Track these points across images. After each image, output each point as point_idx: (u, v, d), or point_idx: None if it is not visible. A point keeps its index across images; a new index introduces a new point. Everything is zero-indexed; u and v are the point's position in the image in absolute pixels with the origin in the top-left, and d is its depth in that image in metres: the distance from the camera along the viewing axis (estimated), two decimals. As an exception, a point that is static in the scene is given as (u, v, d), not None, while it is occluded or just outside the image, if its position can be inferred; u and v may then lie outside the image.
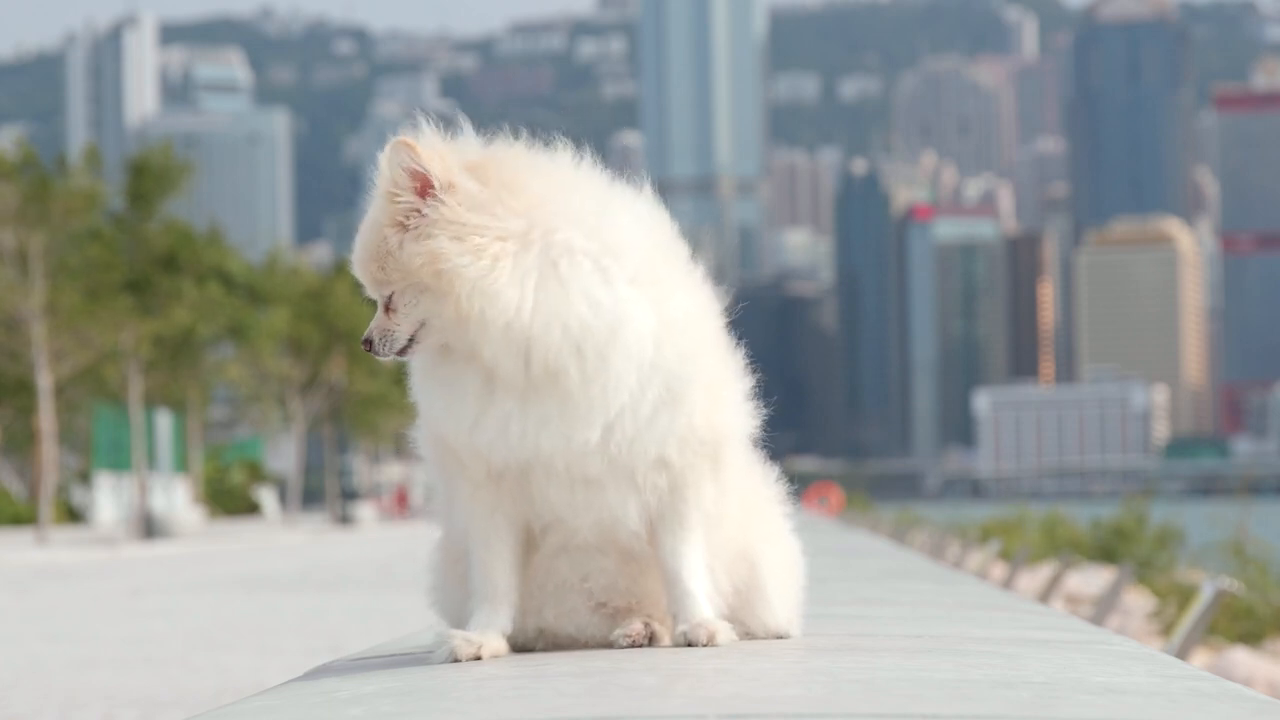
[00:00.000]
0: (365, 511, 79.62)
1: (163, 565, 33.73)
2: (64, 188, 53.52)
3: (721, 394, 4.04)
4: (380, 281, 3.91)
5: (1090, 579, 22.26)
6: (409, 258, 3.84)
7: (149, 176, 61.26)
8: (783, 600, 4.27)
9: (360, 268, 3.96)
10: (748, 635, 4.20)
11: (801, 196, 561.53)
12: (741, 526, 4.18)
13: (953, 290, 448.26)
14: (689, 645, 3.99)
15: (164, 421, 68.92)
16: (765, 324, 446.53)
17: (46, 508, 51.39)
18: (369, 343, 3.94)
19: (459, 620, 4.13)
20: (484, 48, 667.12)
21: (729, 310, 4.13)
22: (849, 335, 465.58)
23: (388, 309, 3.91)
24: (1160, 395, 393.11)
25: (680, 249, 4.03)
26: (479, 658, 3.97)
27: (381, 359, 3.96)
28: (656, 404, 3.91)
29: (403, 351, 3.94)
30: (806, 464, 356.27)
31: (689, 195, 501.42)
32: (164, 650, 14.42)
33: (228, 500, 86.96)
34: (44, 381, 52.52)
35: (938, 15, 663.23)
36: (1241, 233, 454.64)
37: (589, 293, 3.83)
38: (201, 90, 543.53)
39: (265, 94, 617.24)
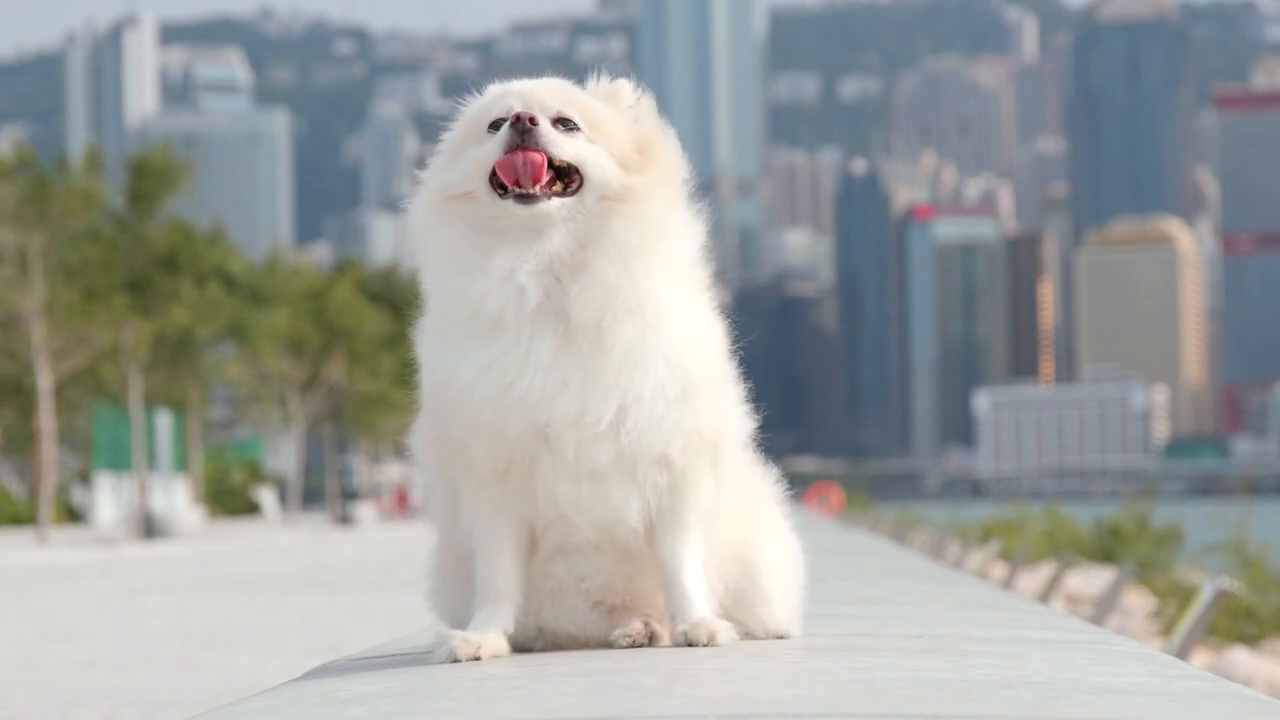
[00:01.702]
0: (365, 511, 79.59)
1: (163, 565, 33.73)
2: (64, 188, 53.49)
3: (723, 399, 4.10)
4: (578, 111, 3.95)
5: (1090, 579, 22.24)
6: (651, 125, 4.02)
7: (149, 176, 61.25)
8: (781, 598, 4.27)
9: (566, 92, 3.99)
10: (747, 634, 4.20)
11: (801, 196, 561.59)
12: (737, 524, 4.19)
13: (953, 290, 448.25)
14: (689, 645, 4.00)
15: (164, 421, 68.90)
16: (765, 324, 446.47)
17: (46, 508, 51.37)
18: (529, 119, 3.89)
19: (460, 623, 4.13)
20: (484, 48, 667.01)
21: (727, 313, 4.20)
22: (849, 335, 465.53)
23: (554, 125, 3.94)
24: (1160, 395, 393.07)
25: (702, 265, 4.14)
26: (478, 658, 3.97)
27: (525, 137, 3.88)
28: (671, 401, 3.95)
29: (554, 179, 3.90)
30: (806, 464, 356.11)
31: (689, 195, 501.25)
32: (164, 650, 14.42)
33: (228, 500, 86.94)
34: (44, 381, 52.51)
35: (938, 15, 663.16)
36: (1241, 233, 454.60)
37: (662, 280, 3.95)
38: (201, 90, 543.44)
39: (265, 94, 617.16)
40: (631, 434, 3.93)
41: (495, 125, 3.94)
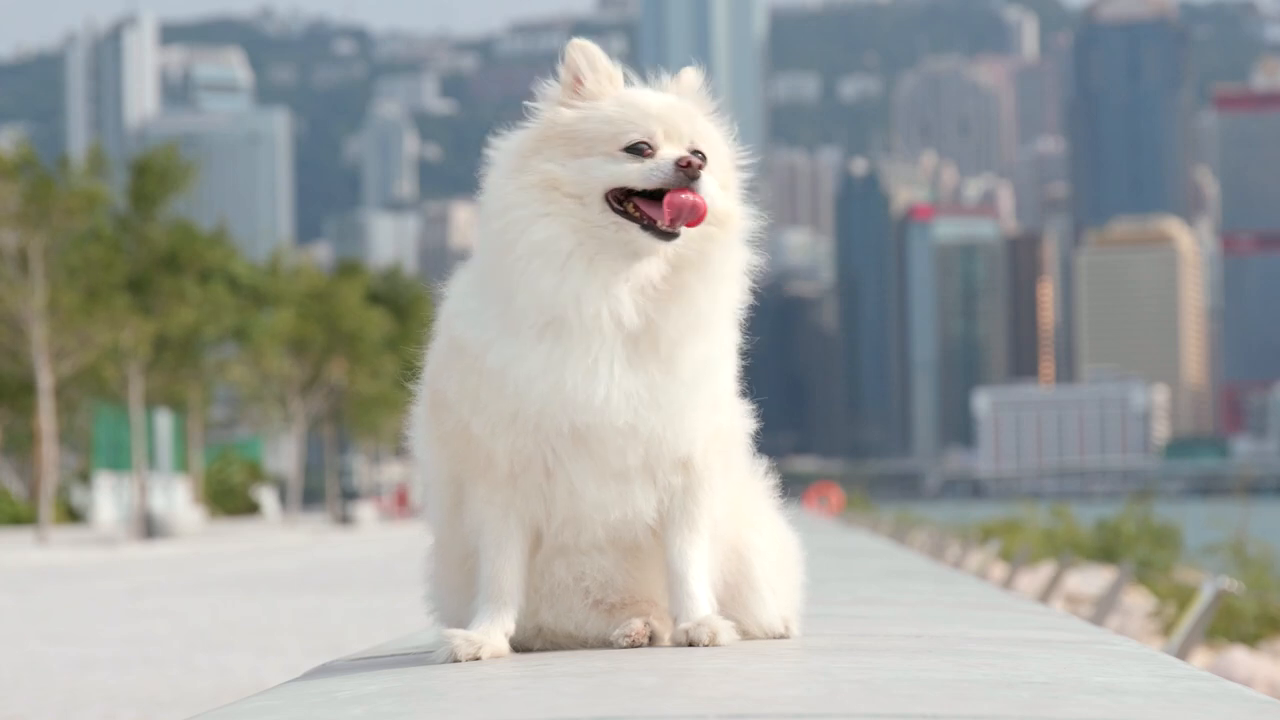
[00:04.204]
0: (365, 511, 79.52)
1: (163, 565, 33.72)
2: (66, 189, 53.42)
3: (735, 401, 4.16)
4: (704, 141, 4.01)
5: (1090, 579, 22.24)
6: (729, 142, 4.10)
7: (152, 177, 61.22)
8: (774, 593, 4.28)
9: (695, 120, 4.02)
10: (744, 632, 4.20)
11: (801, 196, 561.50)
12: (730, 518, 4.20)
13: (953, 290, 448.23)
14: (691, 644, 4.00)
15: (164, 421, 68.87)
16: (765, 324, 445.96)
17: (46, 508, 51.32)
18: (700, 167, 3.91)
19: (462, 625, 4.13)
20: (484, 48, 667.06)
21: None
22: (849, 335, 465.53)
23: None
24: (1160, 395, 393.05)
25: None
26: (478, 658, 3.97)
27: (691, 187, 3.89)
28: (708, 410, 4.02)
29: (703, 219, 3.92)
30: (806, 464, 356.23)
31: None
32: (164, 650, 14.42)
33: (228, 500, 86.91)
34: (44, 381, 52.50)
35: (938, 15, 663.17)
36: (1241, 233, 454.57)
37: (734, 303, 4.07)
38: (201, 90, 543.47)
39: (265, 94, 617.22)
40: (667, 441, 3.97)
41: (635, 148, 3.93)
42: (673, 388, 3.93)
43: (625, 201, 3.90)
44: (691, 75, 4.10)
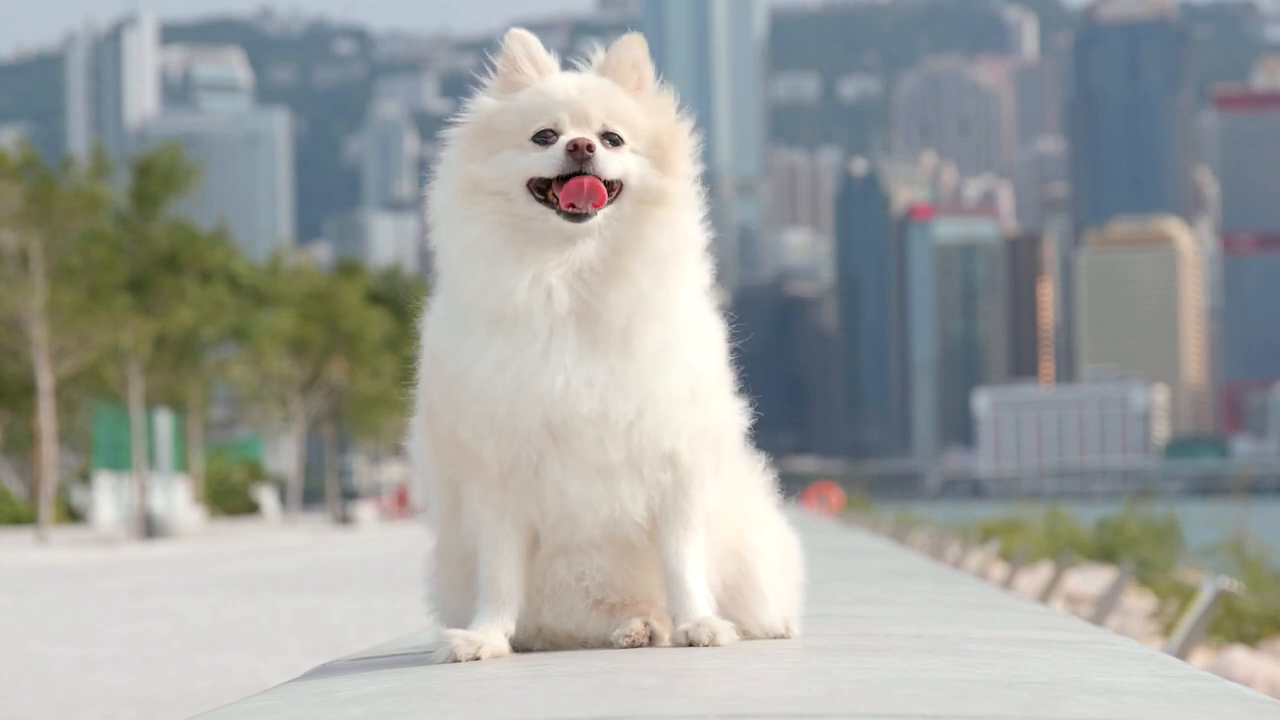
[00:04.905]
0: (365, 511, 79.49)
1: (163, 565, 33.70)
2: (69, 189, 53.36)
3: (725, 398, 4.14)
4: (620, 121, 3.98)
5: (1090, 579, 22.23)
6: (673, 120, 4.05)
7: (155, 177, 61.18)
8: (775, 592, 4.27)
9: (609, 101, 3.99)
10: (742, 631, 4.19)
11: (801, 196, 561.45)
12: (728, 517, 4.20)
13: (953, 290, 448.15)
14: (691, 645, 4.00)
15: (164, 421, 68.86)
16: (765, 324, 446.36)
17: (46, 508, 51.30)
18: (590, 148, 3.91)
19: (463, 626, 4.13)
20: (484, 48, 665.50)
21: (727, 313, 4.22)
22: (849, 335, 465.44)
23: (601, 140, 3.97)
24: (1160, 395, 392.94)
25: (707, 263, 4.18)
26: (478, 658, 3.98)
27: (583, 165, 3.90)
28: (685, 402, 4.00)
29: (604, 198, 3.91)
30: (806, 464, 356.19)
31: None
32: (164, 650, 14.41)
33: (228, 500, 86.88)
34: (44, 381, 52.48)
35: (938, 15, 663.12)
36: (1241, 233, 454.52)
37: (687, 287, 4.02)
38: (201, 90, 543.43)
39: (265, 94, 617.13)
40: (646, 432, 3.97)
41: (541, 137, 3.96)
42: (632, 372, 3.93)
43: (547, 190, 3.94)
44: (624, 48, 4.08)
